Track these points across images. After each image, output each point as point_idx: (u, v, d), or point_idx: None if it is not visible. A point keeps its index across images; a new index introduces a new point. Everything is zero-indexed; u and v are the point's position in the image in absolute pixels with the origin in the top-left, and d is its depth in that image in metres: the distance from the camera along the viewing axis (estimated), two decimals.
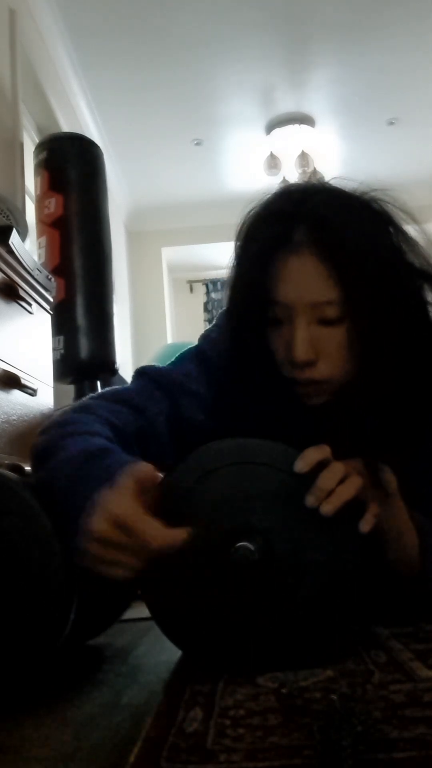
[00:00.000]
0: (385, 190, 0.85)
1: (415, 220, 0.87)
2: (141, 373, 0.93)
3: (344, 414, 0.84)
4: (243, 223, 0.86)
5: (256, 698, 0.64)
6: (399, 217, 0.85)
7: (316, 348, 0.82)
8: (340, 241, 0.79)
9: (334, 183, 0.87)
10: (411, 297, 0.85)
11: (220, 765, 0.50)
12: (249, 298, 0.85)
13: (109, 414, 0.83)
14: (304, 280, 0.80)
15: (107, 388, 0.93)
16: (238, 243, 0.87)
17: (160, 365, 0.94)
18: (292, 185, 0.90)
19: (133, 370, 0.95)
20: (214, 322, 1.01)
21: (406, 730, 0.53)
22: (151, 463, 0.71)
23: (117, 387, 0.93)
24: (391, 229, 0.84)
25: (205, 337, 0.98)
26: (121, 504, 0.64)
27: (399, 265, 0.84)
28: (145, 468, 0.69)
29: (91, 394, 0.91)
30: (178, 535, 0.64)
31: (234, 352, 0.90)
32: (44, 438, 0.80)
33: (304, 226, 0.80)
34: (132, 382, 0.93)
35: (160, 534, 0.63)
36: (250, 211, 0.86)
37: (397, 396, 0.84)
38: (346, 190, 0.85)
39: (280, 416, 0.87)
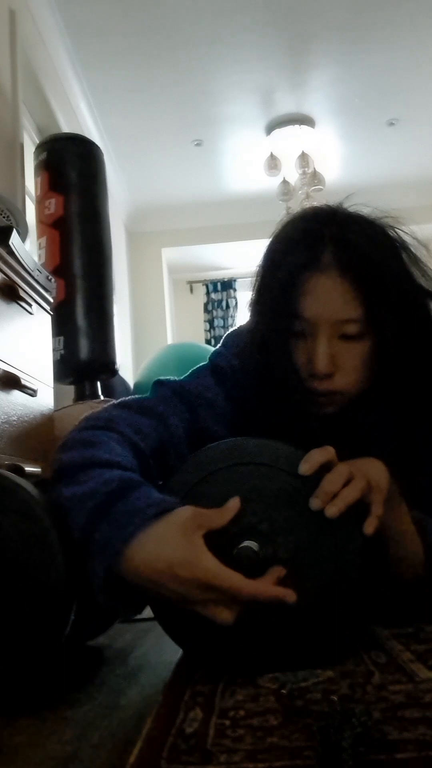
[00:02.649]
0: (397, 217, 0.92)
1: (422, 244, 0.93)
2: (160, 384, 0.95)
3: (355, 423, 0.89)
4: (271, 244, 0.93)
5: (256, 699, 0.64)
6: (408, 241, 0.91)
7: (335, 362, 0.87)
8: (365, 264, 0.86)
9: (351, 208, 0.93)
10: (423, 316, 0.92)
11: (220, 766, 0.50)
12: (277, 313, 0.90)
13: (131, 432, 0.84)
14: (330, 299, 0.86)
15: (130, 397, 0.93)
16: (265, 261, 0.93)
17: (177, 378, 0.97)
18: (315, 208, 0.95)
19: (133, 372, 0.96)
20: (221, 343, 1.04)
21: (407, 731, 0.53)
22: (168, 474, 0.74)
23: (139, 396, 0.94)
24: (404, 254, 0.90)
25: (218, 354, 1.02)
26: (200, 567, 0.66)
27: (412, 286, 0.90)
28: (203, 517, 0.71)
29: (114, 402, 0.92)
30: (263, 587, 0.68)
31: (256, 363, 0.94)
32: (67, 457, 0.79)
33: (330, 248, 0.87)
34: (152, 391, 0.95)
35: (248, 587, 0.67)
36: (278, 233, 0.93)
37: (406, 405, 0.91)
38: (363, 214, 0.92)
39: (294, 426, 0.88)
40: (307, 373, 0.89)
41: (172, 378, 0.97)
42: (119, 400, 0.93)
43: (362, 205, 0.92)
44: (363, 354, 0.88)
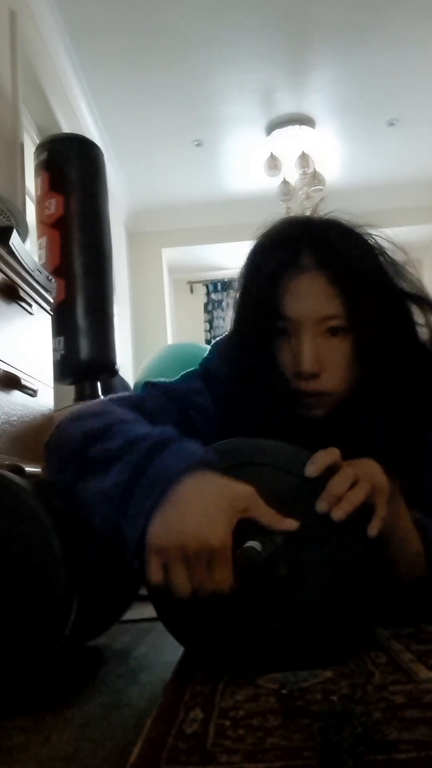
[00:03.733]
0: (377, 226, 0.94)
1: (398, 248, 0.95)
2: (150, 385, 0.96)
3: (344, 424, 0.89)
4: (251, 249, 0.95)
5: (256, 699, 0.64)
6: (386, 246, 0.94)
7: (321, 361, 0.88)
8: (343, 262, 0.88)
9: (328, 215, 0.95)
10: (402, 315, 0.94)
11: (220, 766, 0.50)
12: (259, 314, 0.91)
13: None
14: (312, 297, 0.88)
15: (116, 394, 0.94)
16: (246, 265, 0.95)
17: (167, 380, 0.98)
18: (291, 216, 0.98)
19: (133, 372, 0.96)
20: (209, 351, 1.04)
21: (407, 731, 0.53)
22: None
23: (126, 393, 0.94)
24: (382, 258, 0.93)
25: (208, 360, 1.02)
26: (222, 537, 0.66)
27: (391, 286, 0.93)
28: (259, 508, 0.70)
29: (101, 399, 0.91)
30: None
31: (241, 366, 0.95)
32: (91, 422, 0.79)
33: (310, 249, 0.89)
34: (142, 392, 0.95)
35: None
36: (257, 238, 0.95)
37: (402, 405, 0.92)
38: (340, 221, 0.94)
39: (283, 429, 0.88)
40: (293, 373, 0.89)
41: (162, 380, 0.97)
42: (108, 397, 0.93)
43: (340, 212, 0.95)
44: (347, 352, 0.89)
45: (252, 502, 0.70)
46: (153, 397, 0.93)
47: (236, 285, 0.97)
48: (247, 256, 0.95)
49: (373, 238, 0.93)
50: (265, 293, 0.89)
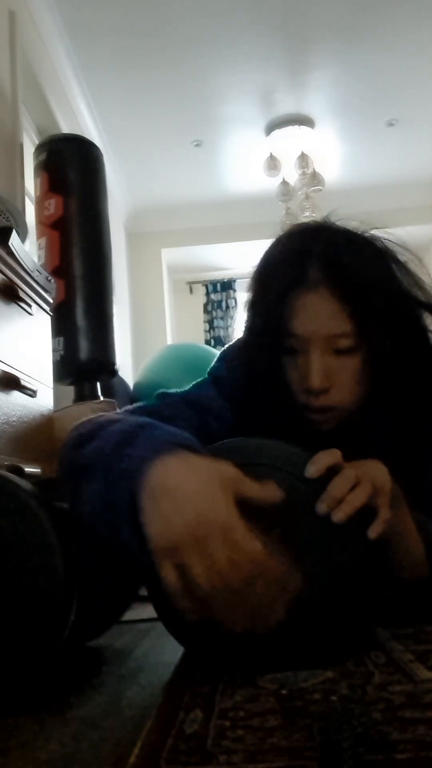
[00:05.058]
0: (384, 228, 0.93)
1: (411, 252, 0.94)
2: (164, 395, 0.96)
3: (352, 439, 0.88)
4: (260, 263, 0.94)
5: (256, 699, 0.64)
6: (397, 250, 0.92)
7: (330, 377, 0.88)
8: (352, 278, 0.86)
9: (338, 222, 0.94)
10: (414, 325, 0.93)
11: (220, 766, 0.50)
12: (267, 332, 0.91)
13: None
14: (320, 315, 0.87)
15: (132, 405, 0.93)
16: (254, 281, 0.94)
17: (179, 390, 0.97)
18: (301, 226, 0.97)
19: (133, 372, 0.96)
20: (218, 358, 1.05)
21: (406, 732, 0.53)
22: None
23: (142, 403, 0.94)
24: (393, 264, 0.91)
25: (217, 368, 1.02)
26: (227, 515, 0.61)
27: (402, 296, 0.91)
28: (245, 484, 0.66)
29: (117, 411, 0.91)
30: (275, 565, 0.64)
31: (249, 383, 0.95)
32: (78, 432, 0.77)
33: (318, 264, 0.88)
34: (157, 400, 0.95)
35: (259, 551, 0.62)
36: (265, 253, 0.94)
37: (403, 405, 0.91)
38: (349, 228, 0.92)
39: (291, 439, 0.88)
40: (302, 389, 0.89)
41: (174, 390, 0.97)
42: (124, 408, 0.92)
43: (348, 219, 0.93)
44: (356, 368, 0.89)
45: (239, 479, 0.66)
46: (169, 405, 0.93)
47: (246, 299, 0.97)
48: (255, 271, 0.95)
49: (383, 243, 0.92)
50: (274, 312, 0.89)
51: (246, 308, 0.97)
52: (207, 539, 0.60)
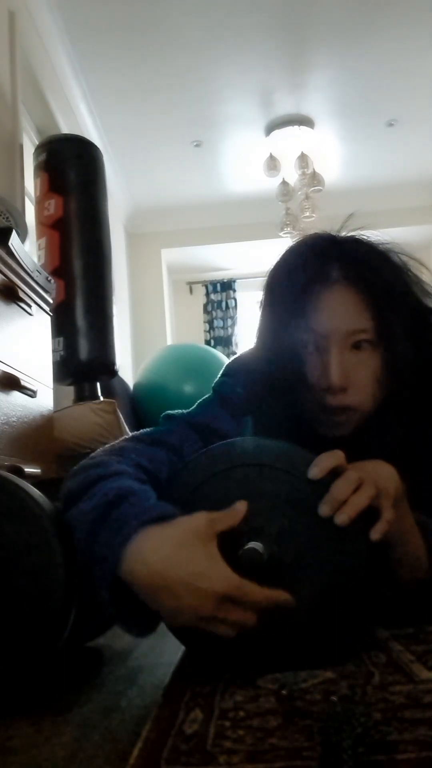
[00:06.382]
0: (399, 243, 0.95)
1: (424, 266, 0.97)
2: (170, 418, 0.96)
3: (365, 444, 0.88)
4: (277, 263, 0.96)
5: (256, 700, 0.64)
6: (412, 264, 0.95)
7: (349, 375, 0.88)
8: (372, 276, 0.89)
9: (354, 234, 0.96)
10: (427, 331, 0.94)
11: (220, 766, 0.50)
12: (288, 330, 0.91)
13: (145, 460, 0.84)
14: (341, 311, 0.89)
15: (141, 431, 0.93)
16: (272, 280, 0.96)
17: (184, 411, 0.98)
18: (316, 233, 0.98)
19: (133, 373, 0.96)
20: (222, 373, 1.04)
21: (407, 732, 0.53)
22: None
23: (149, 429, 0.94)
24: (408, 274, 0.94)
25: (221, 384, 1.02)
26: (220, 579, 0.66)
27: (417, 299, 0.94)
28: (218, 522, 0.71)
29: (125, 436, 0.92)
30: (282, 595, 0.69)
31: (265, 391, 0.95)
32: (73, 482, 0.78)
33: (339, 263, 0.90)
34: (163, 424, 0.95)
35: (267, 596, 0.68)
36: (279, 259, 0.96)
37: (406, 406, 0.92)
38: (365, 239, 0.95)
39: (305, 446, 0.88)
40: (321, 387, 0.89)
41: (179, 411, 0.97)
42: (131, 435, 0.93)
43: (360, 231, 0.96)
44: (375, 368, 0.90)
45: (210, 521, 0.70)
46: (174, 431, 0.92)
47: (260, 303, 0.97)
48: (270, 275, 0.96)
49: (397, 256, 0.94)
50: (294, 310, 0.90)
51: (261, 310, 0.98)
52: (216, 610, 0.66)
